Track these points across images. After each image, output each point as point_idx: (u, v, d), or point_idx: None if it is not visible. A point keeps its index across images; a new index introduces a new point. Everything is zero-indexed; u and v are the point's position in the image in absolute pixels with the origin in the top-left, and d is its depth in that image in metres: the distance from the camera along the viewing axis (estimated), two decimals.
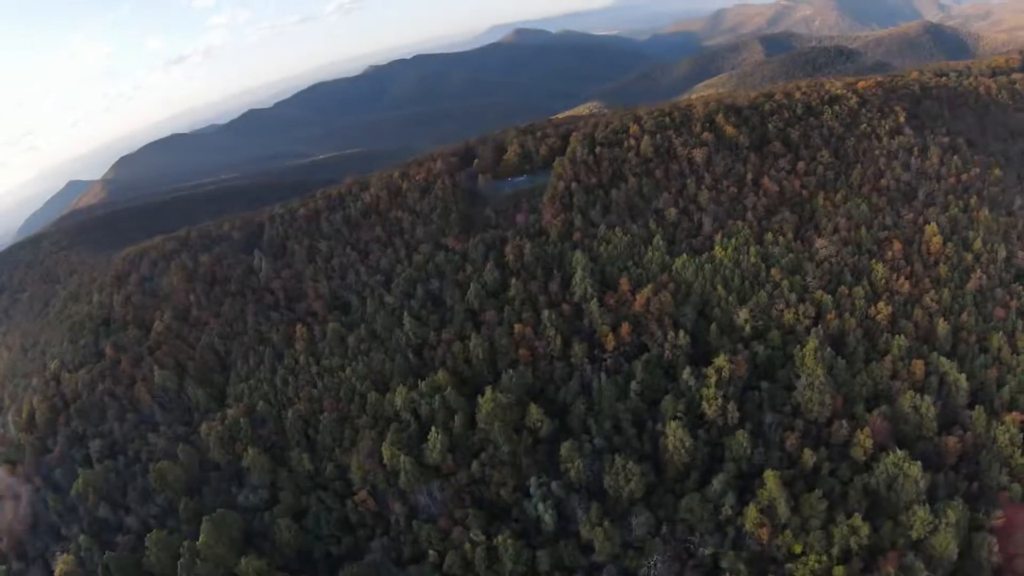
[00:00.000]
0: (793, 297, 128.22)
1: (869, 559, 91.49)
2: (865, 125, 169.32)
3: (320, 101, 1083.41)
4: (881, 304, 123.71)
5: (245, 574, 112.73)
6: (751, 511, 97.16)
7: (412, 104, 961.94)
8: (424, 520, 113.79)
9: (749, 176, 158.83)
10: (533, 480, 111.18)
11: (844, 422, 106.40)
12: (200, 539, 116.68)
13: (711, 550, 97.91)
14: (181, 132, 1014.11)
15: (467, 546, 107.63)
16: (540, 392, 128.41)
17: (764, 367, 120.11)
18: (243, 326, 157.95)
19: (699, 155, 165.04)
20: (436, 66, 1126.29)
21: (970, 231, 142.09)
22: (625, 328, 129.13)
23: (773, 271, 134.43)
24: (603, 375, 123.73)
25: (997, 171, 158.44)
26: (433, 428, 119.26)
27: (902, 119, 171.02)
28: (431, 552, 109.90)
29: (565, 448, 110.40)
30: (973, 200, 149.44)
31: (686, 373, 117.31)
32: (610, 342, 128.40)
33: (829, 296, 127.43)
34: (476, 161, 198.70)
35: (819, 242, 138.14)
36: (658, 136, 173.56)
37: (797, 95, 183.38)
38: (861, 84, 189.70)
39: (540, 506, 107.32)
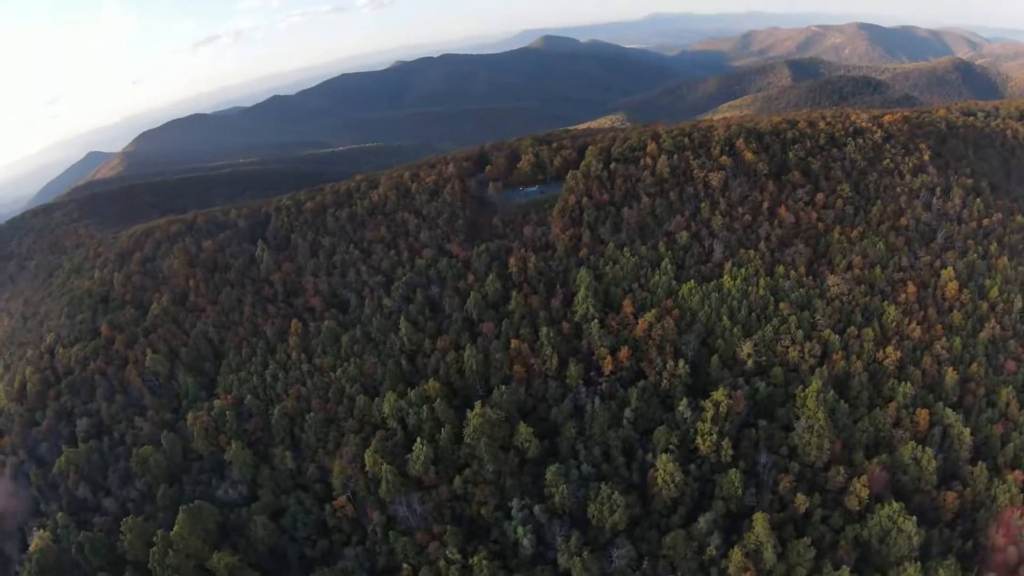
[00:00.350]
0: (800, 334, 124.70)
1: None
2: (888, 161, 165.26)
3: (344, 92, 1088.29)
4: (890, 348, 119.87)
5: (216, 569, 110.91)
6: (736, 553, 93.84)
7: (435, 102, 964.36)
8: (401, 532, 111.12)
9: (765, 204, 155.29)
10: (515, 502, 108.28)
11: (841, 468, 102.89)
12: (174, 529, 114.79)
13: None
14: (204, 112, 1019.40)
15: (442, 563, 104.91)
16: (532, 411, 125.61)
17: (764, 405, 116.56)
18: (239, 316, 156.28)
19: (716, 179, 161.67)
20: (463, 66, 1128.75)
21: (987, 278, 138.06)
22: (624, 352, 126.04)
23: (782, 305, 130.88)
24: (597, 399, 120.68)
25: (1019, 218, 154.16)
26: (419, 439, 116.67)
27: (926, 157, 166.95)
28: (405, 566, 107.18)
29: (551, 472, 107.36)
30: (993, 246, 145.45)
31: (683, 405, 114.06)
32: (608, 365, 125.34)
33: (837, 336, 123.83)
34: (489, 167, 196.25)
35: (831, 279, 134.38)
36: (675, 156, 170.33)
37: (821, 124, 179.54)
38: (887, 118, 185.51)
39: (520, 529, 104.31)
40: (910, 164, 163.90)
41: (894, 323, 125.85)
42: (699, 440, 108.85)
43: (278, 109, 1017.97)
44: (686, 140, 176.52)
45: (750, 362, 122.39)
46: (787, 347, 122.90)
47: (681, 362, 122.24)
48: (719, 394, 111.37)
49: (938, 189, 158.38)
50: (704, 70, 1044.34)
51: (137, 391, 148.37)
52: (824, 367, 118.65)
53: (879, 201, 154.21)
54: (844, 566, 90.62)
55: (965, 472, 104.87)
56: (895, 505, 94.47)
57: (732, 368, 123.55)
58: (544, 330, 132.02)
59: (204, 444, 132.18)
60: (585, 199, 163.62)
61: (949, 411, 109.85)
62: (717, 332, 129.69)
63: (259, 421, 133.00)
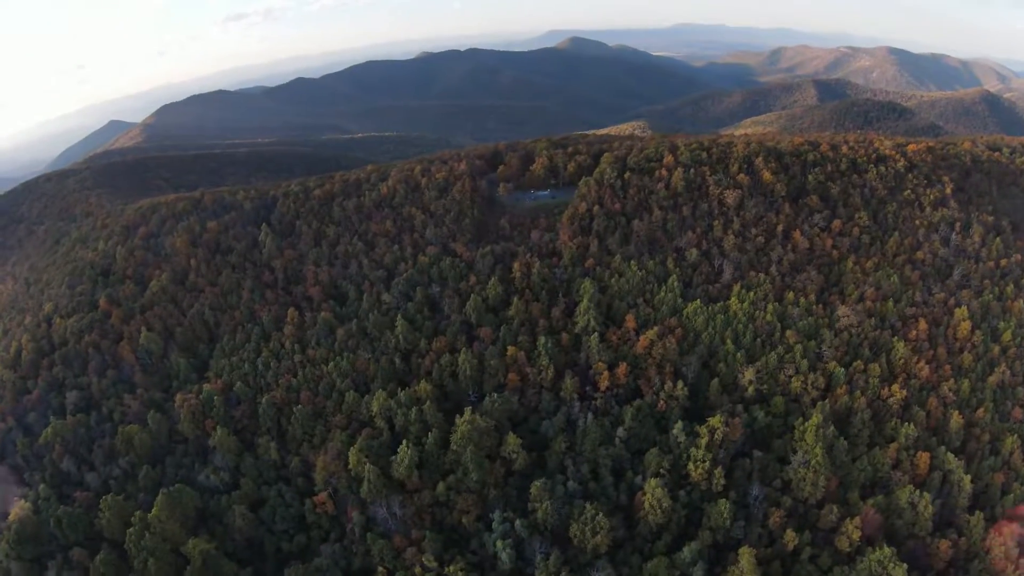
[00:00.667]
0: (805, 364, 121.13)
1: None
2: (909, 191, 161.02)
3: (368, 79, 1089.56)
4: (896, 386, 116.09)
5: (191, 555, 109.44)
6: None
7: (458, 96, 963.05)
8: (379, 534, 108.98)
9: (780, 227, 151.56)
10: (497, 514, 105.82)
11: (835, 507, 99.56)
12: (153, 511, 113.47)
13: None
14: (227, 89, 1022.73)
15: (418, 569, 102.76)
16: (523, 421, 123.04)
17: (761, 434, 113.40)
18: (237, 300, 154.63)
19: (731, 197, 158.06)
20: (488, 62, 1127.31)
21: (1001, 321, 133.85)
22: (622, 369, 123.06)
23: (788, 333, 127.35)
24: (590, 415, 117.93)
25: None
26: (405, 441, 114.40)
27: (948, 190, 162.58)
28: (381, 569, 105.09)
29: (536, 487, 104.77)
30: (1010, 288, 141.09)
31: (677, 428, 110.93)
32: (604, 381, 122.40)
33: (842, 369, 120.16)
34: (501, 167, 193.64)
35: (842, 309, 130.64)
36: (692, 170, 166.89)
37: (844, 149, 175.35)
38: (911, 147, 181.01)
39: (499, 543, 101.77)
40: (931, 196, 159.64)
41: (902, 360, 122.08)
42: (691, 466, 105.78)
43: (301, 91, 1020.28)
44: (704, 154, 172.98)
45: (751, 389, 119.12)
46: (790, 377, 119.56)
47: (680, 383, 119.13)
48: (716, 420, 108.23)
49: (958, 224, 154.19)
50: (730, 83, 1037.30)
51: (129, 368, 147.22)
52: (826, 400, 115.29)
53: (897, 232, 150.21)
54: None
55: (961, 521, 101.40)
56: (886, 550, 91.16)
57: (732, 394, 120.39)
58: (542, 339, 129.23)
59: (190, 427, 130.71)
60: (596, 207, 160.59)
61: (951, 456, 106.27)
62: (720, 355, 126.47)
63: (247, 409, 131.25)
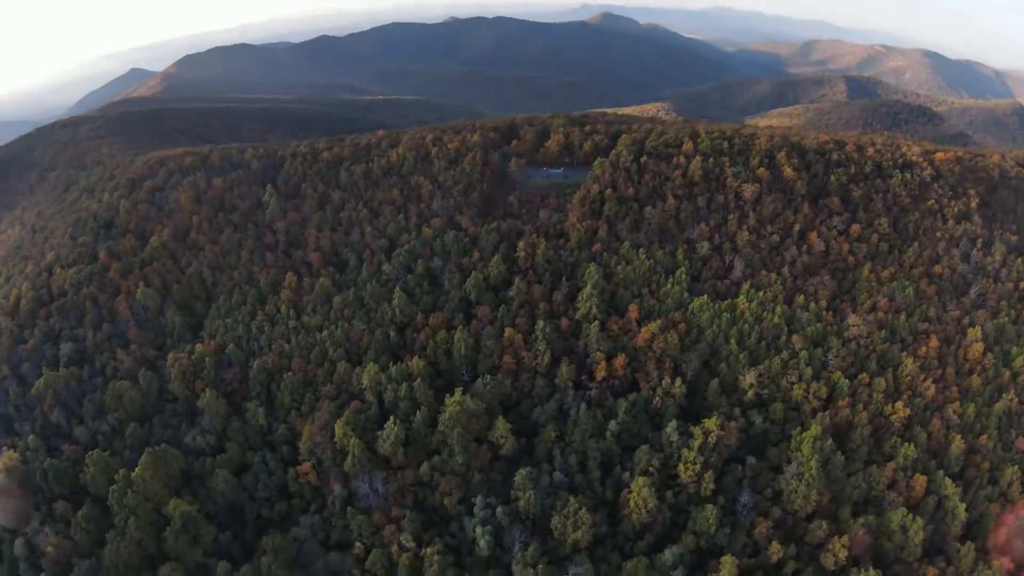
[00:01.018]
0: (809, 372, 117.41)
1: None
2: (933, 201, 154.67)
3: (393, 41, 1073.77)
4: (900, 404, 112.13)
5: (171, 515, 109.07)
6: None
7: (484, 64, 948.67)
8: (360, 509, 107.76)
9: (797, 227, 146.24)
10: (479, 499, 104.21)
11: (824, 523, 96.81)
12: (137, 470, 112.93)
13: None
14: (251, 43, 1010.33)
15: (394, 548, 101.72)
16: (515, 405, 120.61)
17: (756, 440, 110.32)
18: (236, 260, 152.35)
19: (749, 191, 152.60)
20: (516, 31, 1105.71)
21: (1015, 345, 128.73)
22: (620, 360, 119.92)
23: (795, 338, 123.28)
24: (584, 405, 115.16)
25: None
26: (392, 417, 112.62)
27: (973, 204, 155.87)
28: (358, 544, 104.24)
29: (520, 475, 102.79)
30: None
31: (671, 427, 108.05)
32: (601, 371, 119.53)
33: (847, 381, 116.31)
34: (515, 142, 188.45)
35: (852, 318, 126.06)
36: (711, 160, 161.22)
37: (870, 151, 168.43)
38: (939, 155, 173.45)
39: (479, 528, 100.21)
40: (955, 209, 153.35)
41: (908, 377, 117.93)
42: (681, 467, 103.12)
43: (325, 49, 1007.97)
44: (725, 144, 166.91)
45: (751, 393, 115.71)
46: (792, 383, 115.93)
47: (678, 381, 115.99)
48: (711, 423, 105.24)
49: (980, 241, 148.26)
50: (759, 71, 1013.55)
51: (124, 322, 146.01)
52: (827, 412, 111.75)
53: (916, 243, 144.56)
54: None
55: (952, 549, 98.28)
56: (872, 572, 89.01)
57: (731, 396, 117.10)
58: (541, 323, 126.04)
59: (180, 387, 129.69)
60: (609, 190, 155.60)
61: (948, 481, 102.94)
62: (722, 355, 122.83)
63: (238, 372, 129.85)
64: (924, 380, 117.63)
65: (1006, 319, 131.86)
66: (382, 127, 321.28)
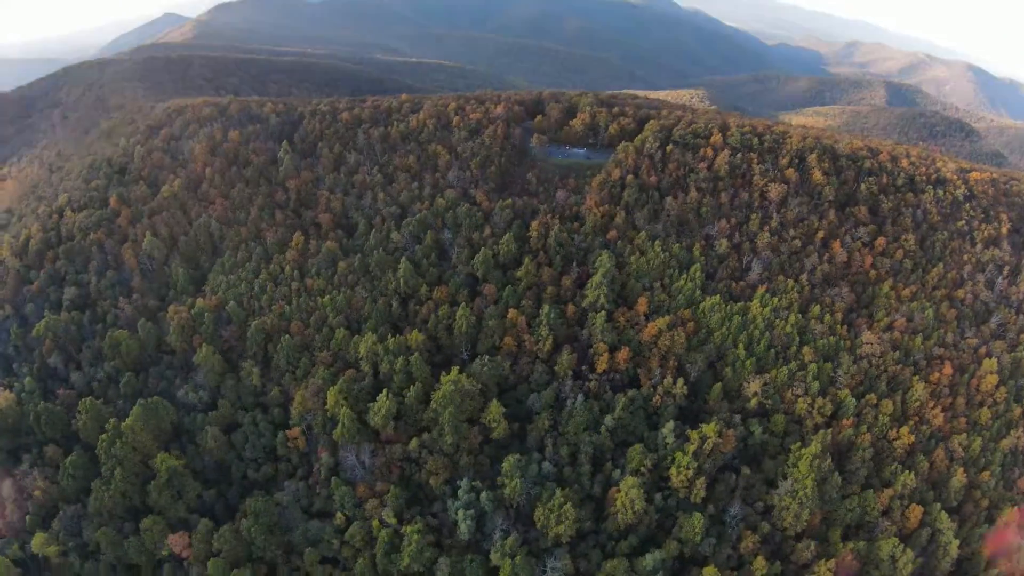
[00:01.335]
0: (816, 386, 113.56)
1: None
2: (964, 223, 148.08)
3: (430, 3, 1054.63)
4: (905, 429, 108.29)
5: (158, 469, 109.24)
6: None
7: (519, 33, 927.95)
8: (345, 480, 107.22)
9: (820, 234, 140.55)
10: (464, 482, 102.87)
11: (812, 544, 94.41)
12: (127, 420, 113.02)
13: None
14: None
15: (375, 522, 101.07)
16: (511, 388, 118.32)
17: (754, 451, 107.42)
18: (245, 216, 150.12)
19: (775, 191, 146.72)
20: (554, 4, 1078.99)
21: None
22: (624, 354, 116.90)
23: (805, 350, 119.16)
24: (581, 396, 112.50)
25: None
26: (386, 390, 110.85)
27: (1004, 230, 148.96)
28: (339, 515, 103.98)
29: (509, 462, 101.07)
30: None
31: (668, 428, 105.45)
32: (602, 363, 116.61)
33: (854, 400, 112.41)
34: (540, 118, 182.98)
35: (867, 335, 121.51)
36: (739, 155, 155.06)
37: (904, 163, 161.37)
38: (974, 175, 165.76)
39: (461, 512, 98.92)
40: (985, 233, 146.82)
41: (918, 403, 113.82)
42: (673, 471, 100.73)
43: (362, 6, 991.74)
44: (755, 140, 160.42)
45: (754, 401, 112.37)
46: (798, 396, 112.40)
47: (681, 381, 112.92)
48: (709, 428, 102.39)
49: (1006, 269, 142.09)
50: (798, 67, 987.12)
51: (129, 271, 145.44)
52: (830, 430, 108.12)
53: (941, 264, 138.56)
54: None
55: None
56: None
57: (733, 402, 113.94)
58: (547, 307, 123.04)
59: (178, 340, 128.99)
60: (630, 176, 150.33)
61: (945, 516, 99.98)
62: (728, 359, 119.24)
63: (236, 330, 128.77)
64: (933, 407, 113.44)
65: None
66: (409, 91, 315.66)
